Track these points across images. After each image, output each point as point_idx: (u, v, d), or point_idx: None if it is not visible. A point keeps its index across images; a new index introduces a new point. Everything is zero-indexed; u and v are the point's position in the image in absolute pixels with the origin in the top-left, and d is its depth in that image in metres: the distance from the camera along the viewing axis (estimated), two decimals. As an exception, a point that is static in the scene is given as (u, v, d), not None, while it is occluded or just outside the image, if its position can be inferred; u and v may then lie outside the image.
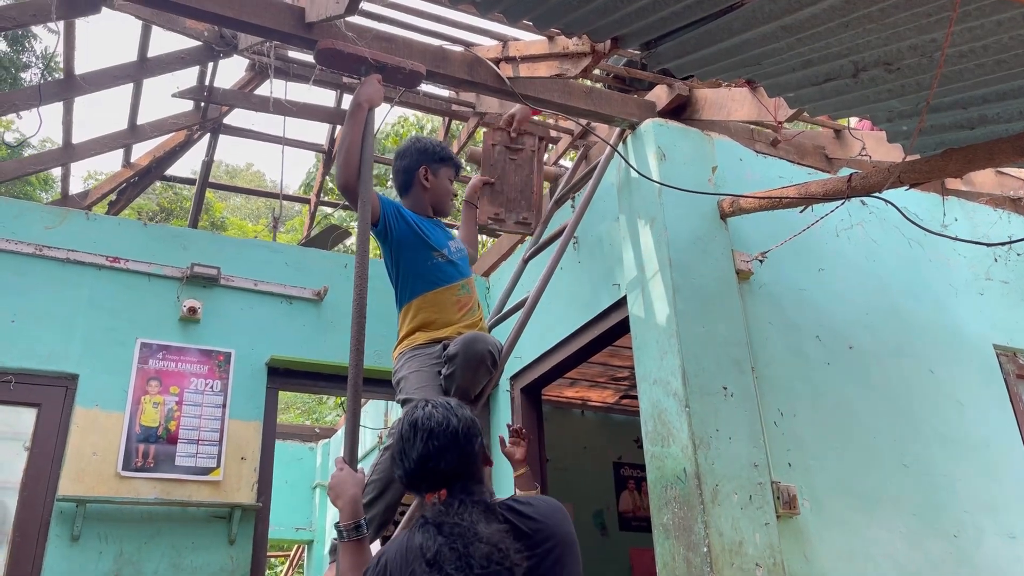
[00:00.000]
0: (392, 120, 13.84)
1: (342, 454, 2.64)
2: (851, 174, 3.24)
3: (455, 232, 3.72)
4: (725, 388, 3.48)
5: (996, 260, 4.75)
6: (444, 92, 6.30)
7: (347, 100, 6.53)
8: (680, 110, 4.17)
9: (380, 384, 4.90)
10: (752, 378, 3.58)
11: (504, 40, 3.75)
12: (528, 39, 3.59)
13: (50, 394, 4.24)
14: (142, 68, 5.87)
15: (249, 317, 4.83)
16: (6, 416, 4.12)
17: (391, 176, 3.53)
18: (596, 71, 4.44)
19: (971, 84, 2.75)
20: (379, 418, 7.78)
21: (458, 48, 3.76)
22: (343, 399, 9.99)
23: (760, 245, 3.89)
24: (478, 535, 1.83)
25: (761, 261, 3.84)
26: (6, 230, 4.43)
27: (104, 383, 4.35)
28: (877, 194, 3.19)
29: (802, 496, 3.46)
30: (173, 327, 4.63)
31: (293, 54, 6.03)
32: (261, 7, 3.37)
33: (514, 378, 5.16)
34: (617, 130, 4.19)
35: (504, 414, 5.20)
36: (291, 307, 5.00)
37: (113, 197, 7.06)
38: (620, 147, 4.17)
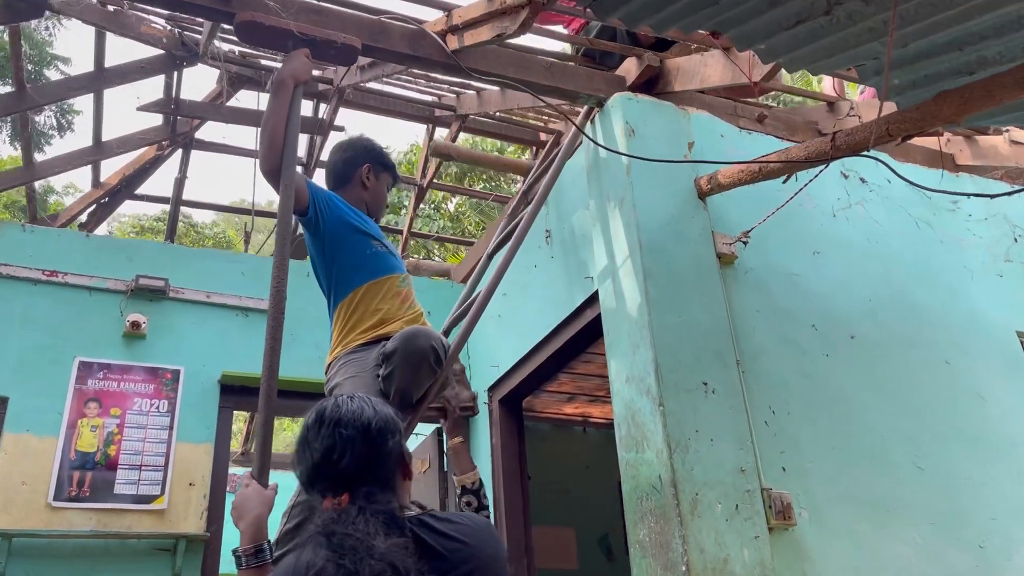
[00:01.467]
0: (404, 148, 13.37)
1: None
2: (835, 131, 2.83)
3: None
4: (706, 384, 3.06)
5: (1016, 240, 4.30)
6: (426, 97, 5.99)
7: (324, 111, 6.28)
8: (652, 83, 3.79)
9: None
10: (738, 372, 3.15)
11: (449, 9, 3.41)
12: (469, 1, 3.25)
13: (-24, 419, 3.89)
14: (99, 79, 5.60)
15: (200, 331, 4.47)
16: (-73, 445, 3.78)
17: (326, 167, 3.17)
18: (565, 48, 4.09)
19: (962, 13, 2.35)
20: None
21: (399, 22, 3.41)
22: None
23: (744, 226, 3.47)
24: (371, 550, 1.51)
25: (745, 243, 3.43)
26: (-68, 245, 4.14)
27: (37, 406, 4.01)
28: (866, 152, 2.78)
29: (799, 504, 3.01)
30: (116, 344, 4.28)
31: (266, 62, 5.78)
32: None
33: (492, 389, 4.76)
34: (584, 108, 3.83)
35: (483, 428, 4.79)
36: (247, 319, 4.64)
37: (84, 218, 6.79)
38: (588, 128, 3.80)
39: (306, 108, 6.01)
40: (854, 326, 3.58)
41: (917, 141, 4.69)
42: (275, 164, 2.70)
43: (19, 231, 4.43)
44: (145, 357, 4.29)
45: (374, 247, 2.93)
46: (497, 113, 5.65)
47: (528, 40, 3.82)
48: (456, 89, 5.71)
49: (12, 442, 3.89)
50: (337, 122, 6.08)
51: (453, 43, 3.41)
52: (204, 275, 4.65)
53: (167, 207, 7.03)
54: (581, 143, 3.85)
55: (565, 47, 4.64)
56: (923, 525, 3.21)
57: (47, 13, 4.94)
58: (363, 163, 3.09)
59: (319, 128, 6.21)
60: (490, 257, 3.94)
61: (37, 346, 4.13)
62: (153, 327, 4.32)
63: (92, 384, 4.14)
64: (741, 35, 2.76)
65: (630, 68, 3.80)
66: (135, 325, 4.27)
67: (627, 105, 3.59)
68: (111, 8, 5.01)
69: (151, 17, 5.28)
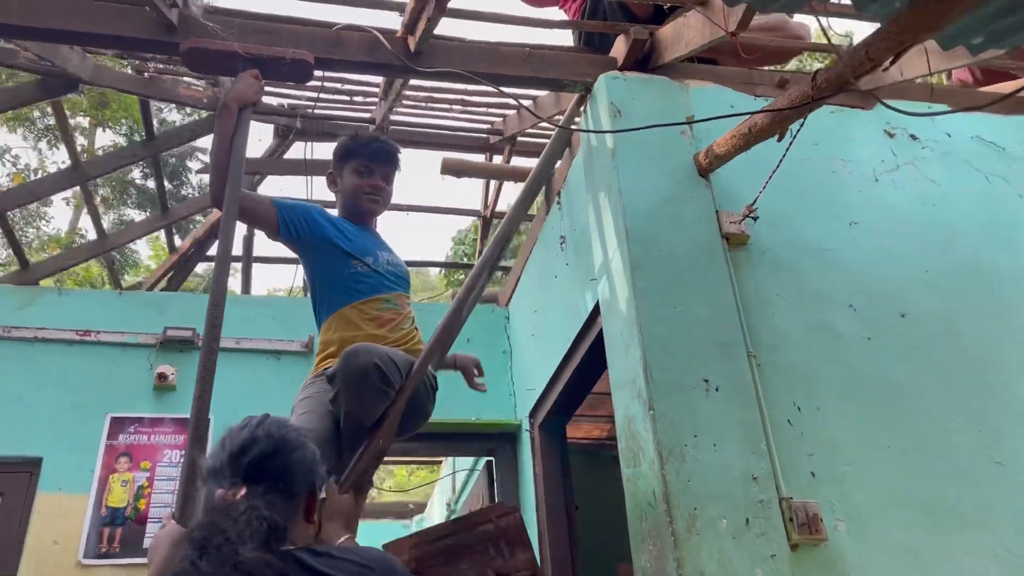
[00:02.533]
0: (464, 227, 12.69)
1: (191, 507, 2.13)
2: (816, 70, 2.40)
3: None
4: (706, 381, 2.64)
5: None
6: (481, 125, 5.81)
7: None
8: (646, 61, 3.44)
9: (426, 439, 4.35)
10: (750, 366, 2.71)
11: (402, 7, 3.22)
12: None
13: (12, 481, 3.96)
14: (151, 146, 5.80)
15: (230, 378, 4.37)
16: (-34, 508, 3.87)
17: None
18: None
19: None
20: (447, 491, 7.15)
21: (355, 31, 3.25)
22: (433, 471, 9.44)
23: (757, 201, 3.03)
24: (235, 556, 1.43)
25: (754, 219, 2.99)
26: (-25, 316, 4.30)
27: (69, 464, 4.04)
28: (853, 85, 2.33)
29: (833, 515, 2.52)
30: (146, 397, 4.29)
31: (318, 111, 5.80)
32: (112, 16, 3.03)
33: (531, 415, 4.43)
34: (575, 98, 3.52)
35: (527, 457, 4.46)
36: (278, 363, 4.56)
37: (164, 284, 7.04)
38: (582, 116, 3.49)
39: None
40: (905, 302, 3.04)
41: (993, 88, 4.08)
42: (219, 191, 2.58)
43: (56, 295, 4.57)
44: (175, 408, 4.27)
45: (354, 267, 2.75)
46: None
47: (518, 34, 3.58)
48: (503, 112, 5.50)
49: (45, 502, 3.93)
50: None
51: (413, 44, 3.21)
52: (234, 321, 4.56)
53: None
54: (578, 138, 3.55)
55: (564, 39, 4.34)
56: (1007, 532, 2.63)
57: (80, 86, 5.16)
58: (328, 172, 2.97)
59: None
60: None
61: (70, 405, 4.19)
62: (182, 377, 4.30)
63: (123, 439, 4.15)
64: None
65: (619, 47, 3.47)
66: (162, 377, 4.27)
67: (612, 85, 3.26)
68: (146, 75, 5.18)
69: (187, 79, 5.43)
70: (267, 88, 5.29)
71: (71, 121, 10.48)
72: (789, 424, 2.68)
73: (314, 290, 2.83)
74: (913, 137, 3.54)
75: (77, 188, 5.88)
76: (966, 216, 3.35)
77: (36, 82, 4.68)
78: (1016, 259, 3.28)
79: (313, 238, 2.73)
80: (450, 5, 3.10)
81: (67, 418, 4.15)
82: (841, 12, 3.05)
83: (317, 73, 3.06)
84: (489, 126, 5.83)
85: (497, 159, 5.80)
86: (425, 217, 6.65)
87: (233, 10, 3.33)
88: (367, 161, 2.92)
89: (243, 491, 1.57)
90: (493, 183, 6.07)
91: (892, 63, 2.21)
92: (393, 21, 3.56)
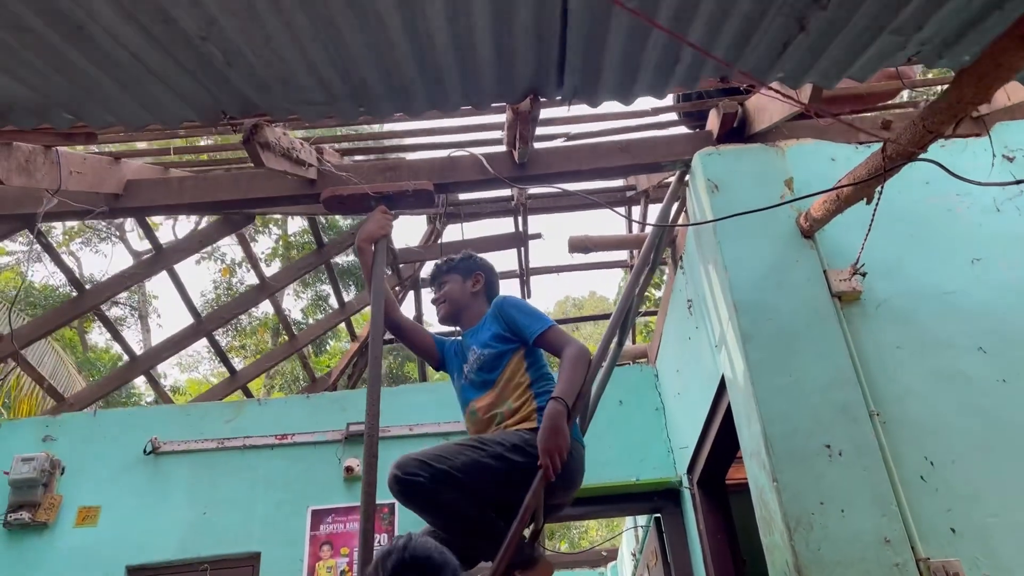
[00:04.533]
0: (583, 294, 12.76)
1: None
2: (885, 142, 2.47)
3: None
4: (828, 447, 2.71)
5: None
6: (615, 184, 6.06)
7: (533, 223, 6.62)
8: (740, 130, 3.57)
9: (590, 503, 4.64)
10: (873, 426, 2.76)
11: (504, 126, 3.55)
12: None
13: (238, 575, 4.57)
14: (322, 254, 6.52)
15: (408, 463, 4.86)
16: (202, 603, 4.51)
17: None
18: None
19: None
20: (632, 541, 7.28)
21: (463, 152, 3.62)
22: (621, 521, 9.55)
23: (866, 257, 3.07)
24: None
25: (863, 274, 3.04)
26: (195, 431, 5.02)
27: (282, 555, 4.60)
28: (923, 156, 2.38)
29: (979, 571, 2.52)
30: (338, 489, 4.82)
31: (464, 196, 6.29)
32: (266, 183, 3.57)
33: (689, 471, 4.55)
34: (676, 175, 3.70)
35: (691, 513, 4.57)
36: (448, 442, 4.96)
37: (350, 370, 7.78)
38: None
39: (507, 225, 6.39)
40: (1041, 337, 2.96)
41: None
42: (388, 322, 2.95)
43: (256, 406, 5.24)
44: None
45: (456, 382, 3.02)
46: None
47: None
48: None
49: (266, 592, 4.51)
50: (532, 230, 6.33)
51: (516, 156, 3.53)
52: (407, 410, 5.08)
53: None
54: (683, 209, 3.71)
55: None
56: None
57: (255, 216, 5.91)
58: None
59: (518, 240, 6.55)
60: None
61: (277, 502, 4.78)
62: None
63: (323, 529, 4.69)
64: (756, 72, 2.56)
65: (713, 120, 3.63)
66: (349, 469, 4.79)
67: (707, 161, 3.42)
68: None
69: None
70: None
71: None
72: (922, 480, 2.69)
73: None
74: (1044, 158, 3.42)
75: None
76: (1107, 232, 3.20)
77: (221, 220, 5.46)
78: None
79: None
80: (546, 115, 3.40)
81: (276, 515, 4.74)
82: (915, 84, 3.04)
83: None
84: (623, 182, 6.07)
85: (636, 210, 6.03)
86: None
87: (362, 148, 3.80)
88: (429, 282, 3.26)
89: None
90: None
91: (954, 130, 2.24)
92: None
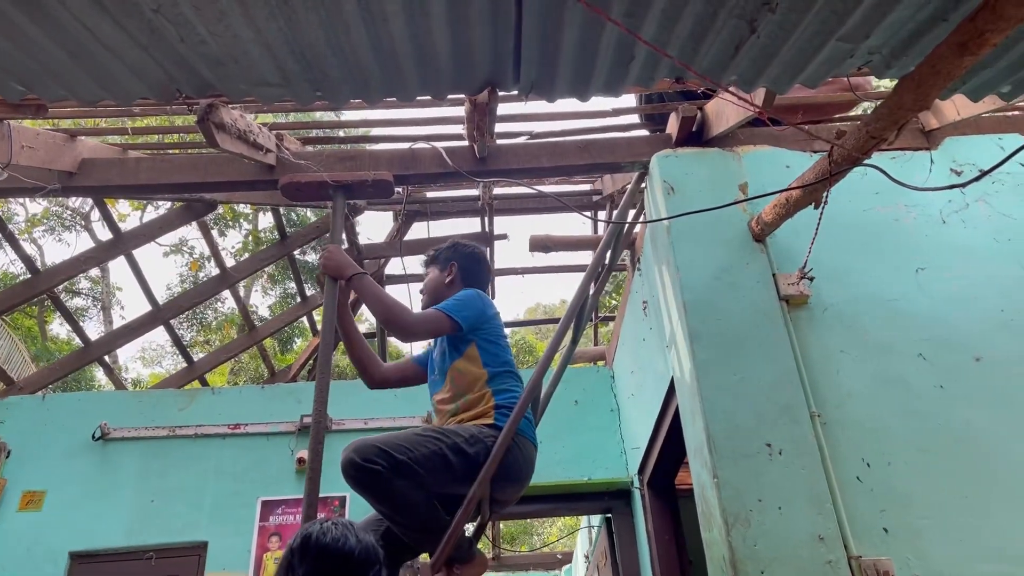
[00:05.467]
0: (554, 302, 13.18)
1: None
2: (832, 146, 2.53)
3: None
4: (769, 445, 2.76)
5: None
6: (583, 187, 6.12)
7: (499, 224, 6.64)
8: (700, 134, 3.62)
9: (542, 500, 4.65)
10: (814, 426, 2.80)
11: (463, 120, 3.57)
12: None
13: (184, 564, 4.52)
14: (283, 246, 6.48)
15: (361, 457, 4.84)
16: (147, 591, 4.46)
17: None
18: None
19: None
20: (586, 543, 7.31)
21: (425, 145, 3.64)
22: (568, 522, 9.60)
23: (815, 260, 3.13)
24: None
25: (810, 279, 3.09)
26: (147, 418, 4.97)
27: (230, 546, 4.56)
28: (867, 161, 2.44)
29: (909, 571, 2.57)
30: (290, 481, 4.79)
31: (430, 194, 6.30)
32: (224, 166, 3.55)
33: (640, 472, 4.58)
34: (635, 176, 3.74)
35: (640, 514, 4.60)
36: (403, 439, 4.96)
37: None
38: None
39: (474, 224, 6.40)
40: (979, 346, 3.03)
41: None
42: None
43: (210, 395, 5.19)
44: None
45: (429, 379, 2.99)
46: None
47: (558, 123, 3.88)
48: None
49: (212, 581, 4.47)
50: (499, 231, 6.34)
51: (477, 151, 3.55)
52: (362, 404, 5.06)
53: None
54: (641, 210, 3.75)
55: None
56: (1105, 580, 2.56)
57: (219, 205, 5.87)
58: None
59: (483, 240, 6.56)
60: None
61: (228, 492, 4.74)
62: (320, 460, 4.76)
63: (273, 520, 4.65)
64: (710, 74, 2.61)
65: (672, 123, 3.68)
66: (301, 461, 4.76)
67: (664, 163, 3.47)
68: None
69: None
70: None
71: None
72: (858, 481, 2.74)
73: None
74: (980, 171, 3.49)
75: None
76: (1046, 247, 3.29)
77: (182, 208, 5.41)
78: (1106, 286, 3.18)
79: None
80: (506, 111, 3.43)
81: (226, 504, 4.70)
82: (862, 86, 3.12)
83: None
84: (590, 186, 6.12)
85: (602, 214, 6.08)
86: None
87: (323, 138, 3.79)
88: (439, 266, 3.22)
89: None
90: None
91: (896, 136, 2.30)
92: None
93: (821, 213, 2.81)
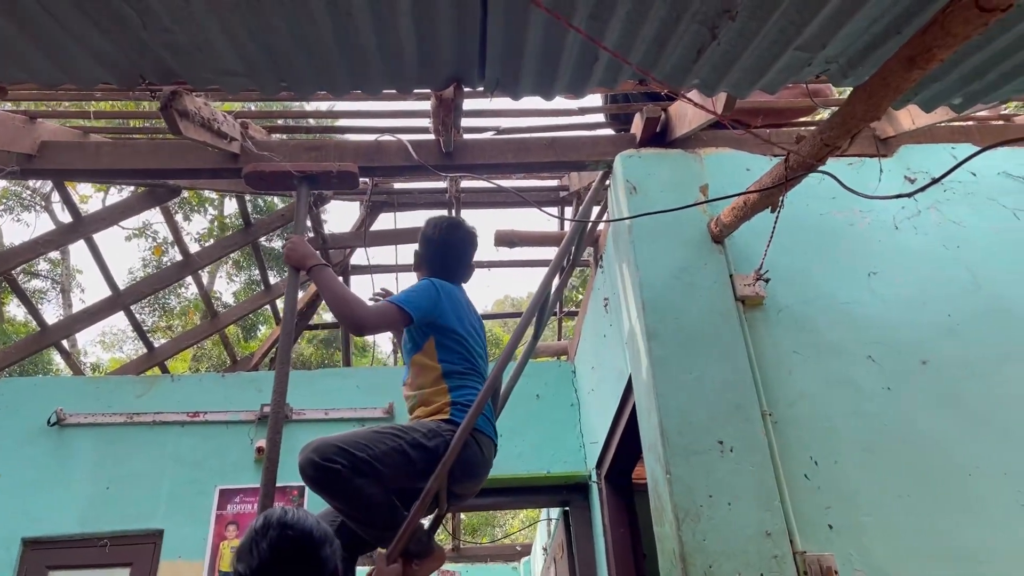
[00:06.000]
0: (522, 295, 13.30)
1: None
2: (788, 152, 2.59)
3: None
4: (721, 443, 2.82)
5: None
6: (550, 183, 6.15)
7: (467, 218, 6.66)
8: (664, 135, 3.67)
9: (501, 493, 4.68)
10: (765, 425, 2.87)
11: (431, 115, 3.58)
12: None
13: (140, 552, 4.50)
14: (249, 233, 6.44)
15: (321, 447, 4.84)
16: (103, 578, 4.43)
17: None
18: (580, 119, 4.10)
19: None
20: (544, 535, 7.39)
21: (391, 137, 3.64)
22: (531, 514, 9.67)
23: (773, 263, 3.20)
24: None
25: (765, 280, 3.16)
26: (104, 404, 4.92)
27: (186, 534, 4.55)
28: (821, 168, 2.51)
29: (851, 566, 2.65)
30: (249, 470, 4.78)
31: (398, 185, 6.28)
32: (187, 153, 3.53)
33: (597, 466, 4.65)
34: (599, 175, 3.78)
35: (597, 511, 4.67)
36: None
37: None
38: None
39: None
40: (926, 350, 3.13)
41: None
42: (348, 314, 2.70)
43: (169, 382, 5.16)
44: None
45: None
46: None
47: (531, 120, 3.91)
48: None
49: (167, 569, 4.45)
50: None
51: (444, 145, 3.57)
52: (323, 394, 5.07)
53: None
54: (604, 208, 3.80)
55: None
56: (1035, 576, 2.66)
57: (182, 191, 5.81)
58: None
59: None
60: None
61: (186, 480, 4.72)
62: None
63: (231, 509, 4.64)
64: (668, 79, 2.65)
65: (637, 123, 3.72)
66: (260, 450, 4.75)
67: (627, 163, 3.51)
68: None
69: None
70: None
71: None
72: (806, 479, 2.82)
73: None
74: (932, 178, 3.59)
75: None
76: (993, 256, 3.39)
77: (145, 192, 5.35)
78: (1048, 294, 3.29)
79: None
80: (472, 107, 3.45)
81: (182, 492, 4.68)
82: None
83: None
84: (557, 182, 6.16)
85: (568, 211, 6.12)
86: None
87: (290, 127, 3.78)
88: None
89: None
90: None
91: (850, 144, 2.36)
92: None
93: (777, 217, 2.87)
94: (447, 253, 3.07)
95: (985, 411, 2.99)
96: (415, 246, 3.18)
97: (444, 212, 6.30)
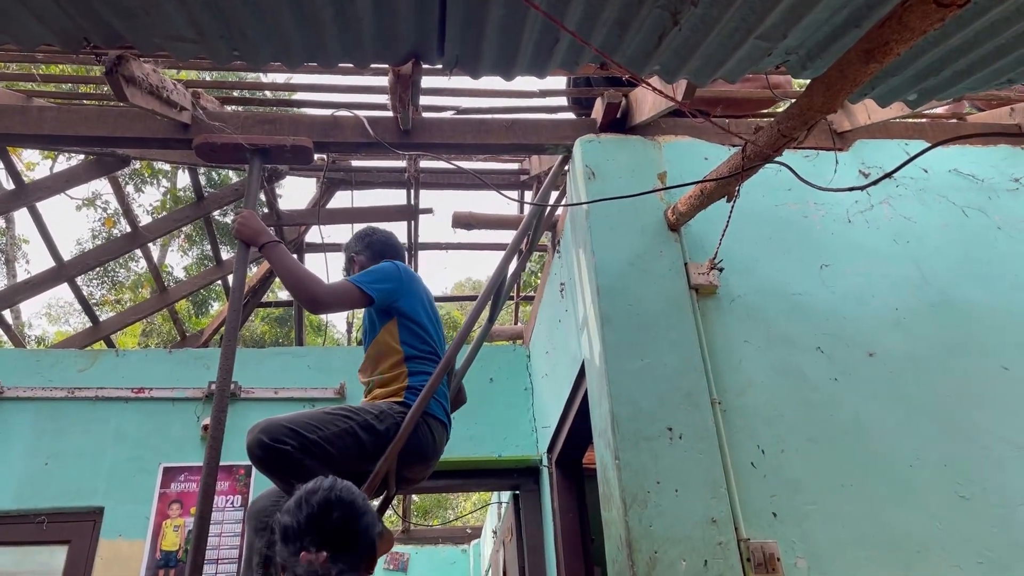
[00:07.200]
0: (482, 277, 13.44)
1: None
2: (745, 142, 2.59)
3: None
4: (670, 430, 2.83)
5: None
6: (511, 166, 6.11)
7: (425, 198, 6.59)
8: (624, 120, 3.65)
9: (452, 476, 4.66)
10: (713, 413, 2.89)
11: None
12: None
13: (79, 530, 4.39)
14: (201, 207, 6.29)
15: (270, 427, 4.77)
16: (40, 556, 4.32)
17: None
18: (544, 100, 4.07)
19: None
20: (494, 519, 7.41)
21: (348, 113, 3.57)
22: (483, 496, 9.71)
23: (728, 252, 3.21)
24: None
25: (719, 269, 3.17)
26: (44, 378, 4.78)
27: (128, 512, 4.45)
28: (778, 159, 2.51)
29: (793, 553, 2.68)
30: (195, 448, 4.69)
31: (356, 163, 6.18)
32: (135, 121, 3.42)
33: (549, 451, 4.65)
34: (559, 159, 3.76)
35: (548, 492, 4.68)
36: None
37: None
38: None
39: (399, 197, 6.34)
40: (873, 342, 3.17)
41: (983, 117, 4.15)
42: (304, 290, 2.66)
43: (113, 357, 5.03)
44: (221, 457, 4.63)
45: None
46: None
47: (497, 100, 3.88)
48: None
49: (107, 548, 4.35)
50: (424, 205, 6.30)
51: (401, 123, 3.51)
52: (273, 373, 4.99)
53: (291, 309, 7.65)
54: (563, 192, 3.78)
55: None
56: (969, 565, 2.73)
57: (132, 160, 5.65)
58: None
59: (408, 213, 6.49)
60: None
61: (128, 457, 4.62)
62: (227, 428, 4.66)
63: (175, 487, 4.55)
64: (629, 63, 2.62)
65: (598, 108, 3.70)
66: (207, 428, 4.65)
67: (587, 148, 3.50)
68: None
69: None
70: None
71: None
72: (752, 467, 2.84)
73: None
74: (885, 174, 3.64)
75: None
76: (941, 252, 3.45)
77: (93, 161, 5.19)
78: (990, 292, 3.36)
79: None
80: (431, 84, 3.39)
81: (125, 470, 4.58)
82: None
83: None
84: (518, 165, 6.12)
85: (528, 194, 6.10)
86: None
87: (244, 99, 3.69)
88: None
89: (324, 555, 1.79)
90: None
91: (806, 135, 2.37)
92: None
93: (732, 206, 2.88)
94: (386, 252, 3.09)
95: (928, 404, 3.05)
96: (344, 252, 3.17)
97: (402, 191, 6.24)
